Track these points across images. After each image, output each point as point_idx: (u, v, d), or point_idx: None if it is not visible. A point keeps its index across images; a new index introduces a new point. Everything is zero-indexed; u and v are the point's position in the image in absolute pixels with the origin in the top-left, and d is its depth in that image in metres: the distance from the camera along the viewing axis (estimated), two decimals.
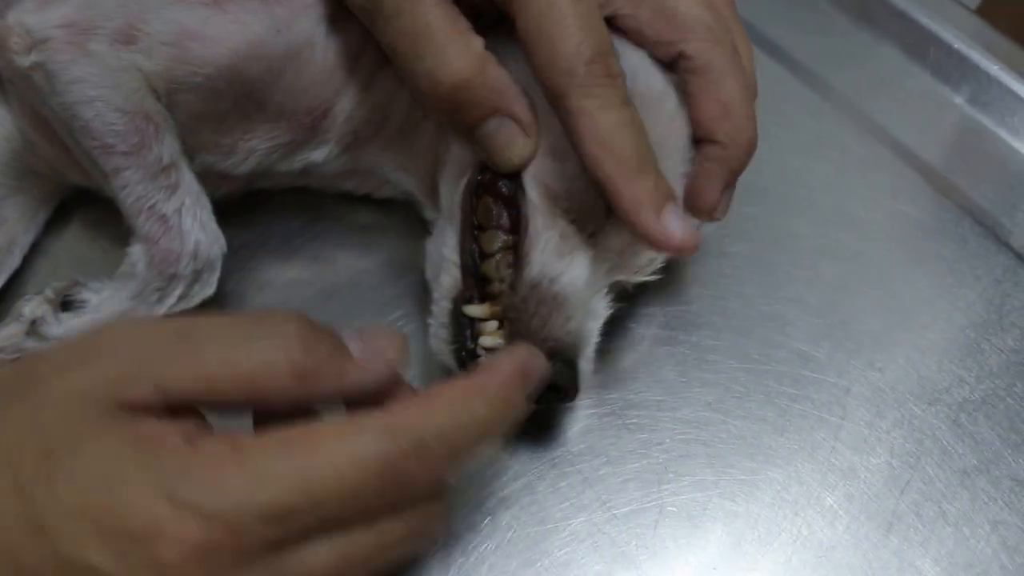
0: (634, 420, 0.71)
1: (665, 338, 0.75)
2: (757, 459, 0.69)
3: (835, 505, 0.68)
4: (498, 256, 0.64)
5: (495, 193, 0.65)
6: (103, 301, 0.67)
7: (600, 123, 0.59)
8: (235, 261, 0.73)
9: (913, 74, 0.95)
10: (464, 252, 0.65)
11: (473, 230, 0.65)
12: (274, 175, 0.75)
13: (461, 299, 0.64)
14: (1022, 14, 0.99)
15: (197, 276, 0.67)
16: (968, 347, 0.77)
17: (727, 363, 0.74)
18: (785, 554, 0.66)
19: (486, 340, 0.63)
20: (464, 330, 0.64)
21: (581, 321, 0.63)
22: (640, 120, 0.61)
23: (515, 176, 0.65)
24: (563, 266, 0.63)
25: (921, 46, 0.94)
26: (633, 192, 0.59)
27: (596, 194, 0.62)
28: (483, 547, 0.65)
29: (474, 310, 0.64)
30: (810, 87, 0.93)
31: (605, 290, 0.66)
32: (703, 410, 0.71)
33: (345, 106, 0.71)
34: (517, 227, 0.65)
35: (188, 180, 0.67)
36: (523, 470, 0.68)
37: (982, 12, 0.97)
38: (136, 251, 0.66)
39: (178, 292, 0.67)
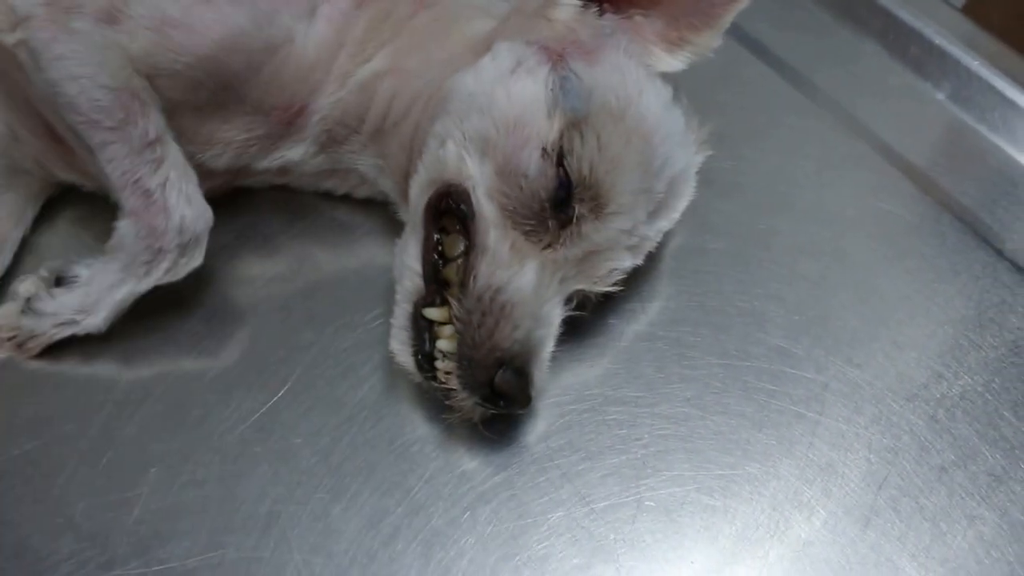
0: (613, 416, 0.71)
1: (644, 334, 0.76)
2: (735, 454, 0.70)
3: (813, 500, 0.68)
4: (459, 261, 0.66)
5: (452, 207, 0.67)
6: (94, 275, 0.69)
7: None
8: (216, 259, 0.73)
9: (895, 71, 0.96)
10: (425, 262, 0.67)
11: (435, 238, 0.67)
12: (253, 173, 0.76)
13: (421, 303, 0.66)
14: (1009, 12, 0.99)
15: (183, 249, 0.68)
16: (947, 343, 0.77)
17: (706, 359, 0.74)
18: (763, 548, 0.66)
19: (443, 343, 0.65)
20: (423, 333, 0.66)
21: (529, 329, 0.64)
22: None
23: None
24: (510, 277, 0.64)
25: (903, 43, 0.95)
26: None
27: (550, 208, 0.64)
28: (463, 541, 0.65)
29: (433, 313, 0.66)
30: (792, 84, 0.94)
31: (559, 299, 0.67)
32: (682, 406, 0.72)
33: (322, 104, 0.72)
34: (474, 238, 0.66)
35: (174, 154, 0.68)
36: (503, 465, 0.68)
37: (968, 10, 0.98)
38: (123, 226, 0.68)
39: (165, 265, 0.68)
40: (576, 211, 0.65)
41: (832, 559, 0.66)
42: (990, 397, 0.74)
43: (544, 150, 0.64)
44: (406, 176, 0.71)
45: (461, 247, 0.66)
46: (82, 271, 0.69)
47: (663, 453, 0.69)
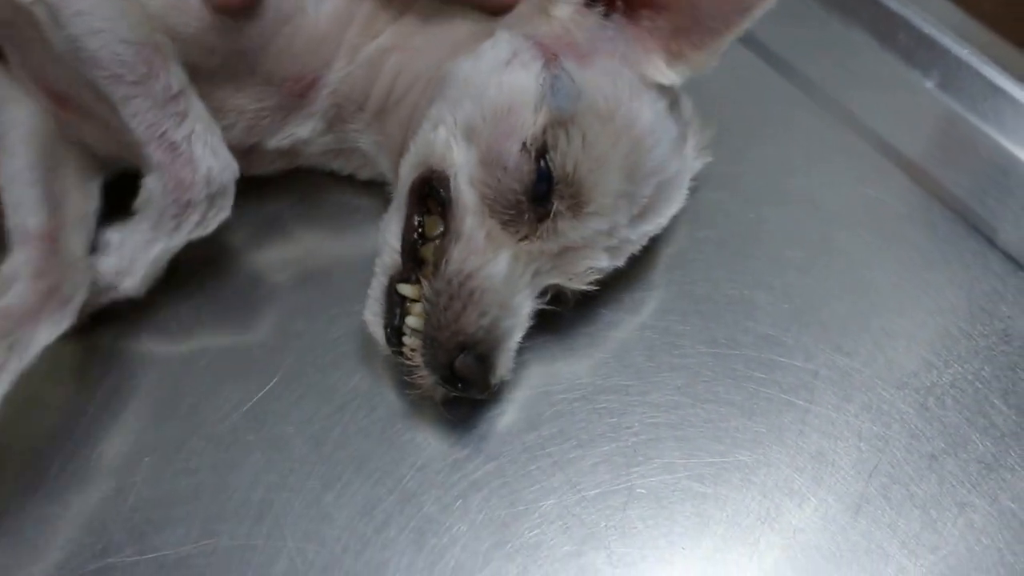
0: (604, 404, 0.71)
1: (634, 323, 0.76)
2: (725, 442, 0.70)
3: (803, 488, 0.69)
4: (437, 242, 0.67)
5: (432, 191, 0.68)
6: (125, 237, 0.69)
7: None
8: (211, 245, 0.73)
9: (884, 60, 0.95)
10: (404, 240, 0.68)
11: (416, 220, 0.68)
12: (263, 156, 0.77)
13: (397, 277, 0.68)
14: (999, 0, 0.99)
15: (212, 200, 0.69)
16: (937, 332, 0.78)
17: (696, 348, 0.75)
18: (753, 535, 0.67)
19: (412, 320, 0.67)
20: (394, 308, 0.67)
21: (496, 318, 0.65)
22: None
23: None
24: (482, 264, 0.65)
25: (891, 31, 0.94)
26: None
27: (527, 200, 0.65)
28: (455, 529, 0.65)
29: (406, 289, 0.67)
30: (781, 74, 0.94)
31: (531, 291, 0.68)
32: (672, 394, 0.72)
33: (332, 78, 0.74)
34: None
35: (197, 108, 0.68)
36: (494, 453, 0.69)
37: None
38: (150, 180, 0.68)
39: (195, 218, 0.68)
40: (555, 207, 0.66)
41: (822, 546, 0.67)
42: (980, 385, 0.75)
43: (524, 143, 0.65)
44: (401, 154, 0.72)
45: (440, 229, 0.67)
46: (113, 236, 0.70)
47: (654, 441, 0.70)
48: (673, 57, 0.68)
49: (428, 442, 0.69)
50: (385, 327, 0.68)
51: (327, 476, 0.67)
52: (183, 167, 0.67)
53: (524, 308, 0.67)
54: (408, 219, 0.68)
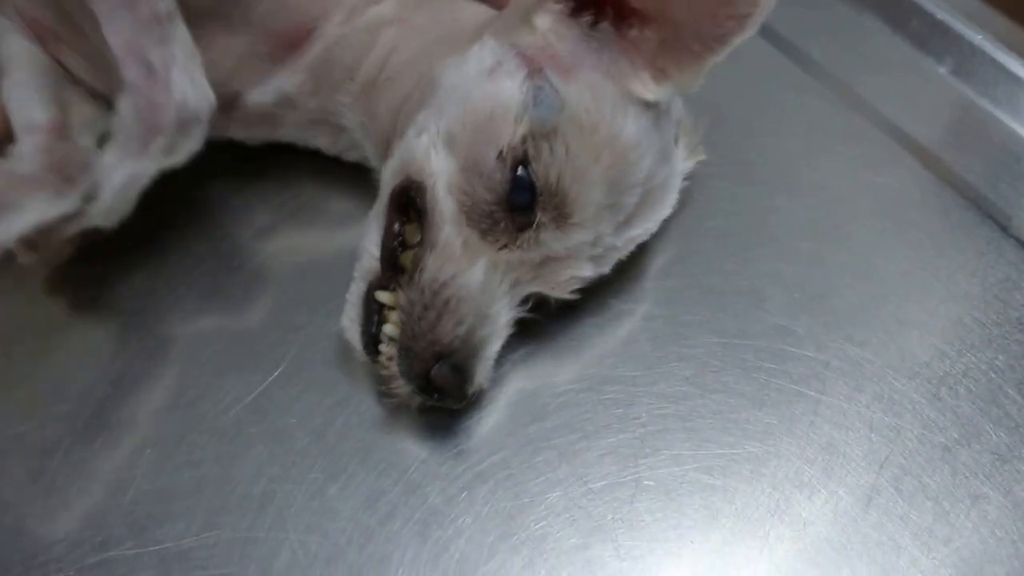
0: (610, 395, 0.70)
1: (641, 313, 0.75)
2: (735, 434, 0.69)
3: (813, 479, 0.68)
4: (417, 249, 0.66)
5: (410, 200, 0.67)
6: (92, 159, 0.68)
7: None
8: (211, 240, 0.73)
9: (896, 45, 0.94)
10: (383, 247, 0.67)
11: (396, 225, 0.67)
12: (242, 113, 0.75)
13: (375, 284, 0.67)
14: None
15: (183, 129, 0.67)
16: (950, 321, 0.76)
17: (704, 337, 0.74)
18: (763, 528, 0.66)
19: (389, 328, 0.66)
20: (372, 315, 0.66)
21: (473, 327, 0.65)
22: None
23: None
24: (458, 273, 0.64)
25: (903, 16, 0.93)
26: None
27: (503, 210, 0.65)
28: (460, 521, 0.65)
29: (384, 296, 0.66)
30: (791, 59, 0.93)
31: (509, 300, 0.67)
32: (680, 384, 0.71)
33: (327, 32, 0.73)
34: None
35: (183, 35, 0.67)
36: (499, 445, 0.68)
37: None
38: (123, 101, 0.66)
39: (163, 143, 0.66)
40: (538, 218, 0.65)
41: (833, 538, 0.66)
42: (994, 375, 0.73)
43: (501, 152, 0.64)
44: (387, 144, 0.71)
45: (418, 237, 0.67)
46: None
47: (662, 432, 0.69)
48: (659, 73, 0.66)
49: (431, 434, 0.68)
50: (363, 334, 0.67)
51: (330, 468, 0.66)
52: (159, 90, 0.65)
53: (502, 317, 0.66)
54: (387, 227, 0.67)
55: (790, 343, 0.74)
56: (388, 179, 0.69)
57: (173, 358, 0.71)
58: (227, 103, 0.73)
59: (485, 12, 0.74)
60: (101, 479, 0.66)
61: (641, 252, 0.73)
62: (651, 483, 0.67)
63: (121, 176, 0.66)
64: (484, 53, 0.67)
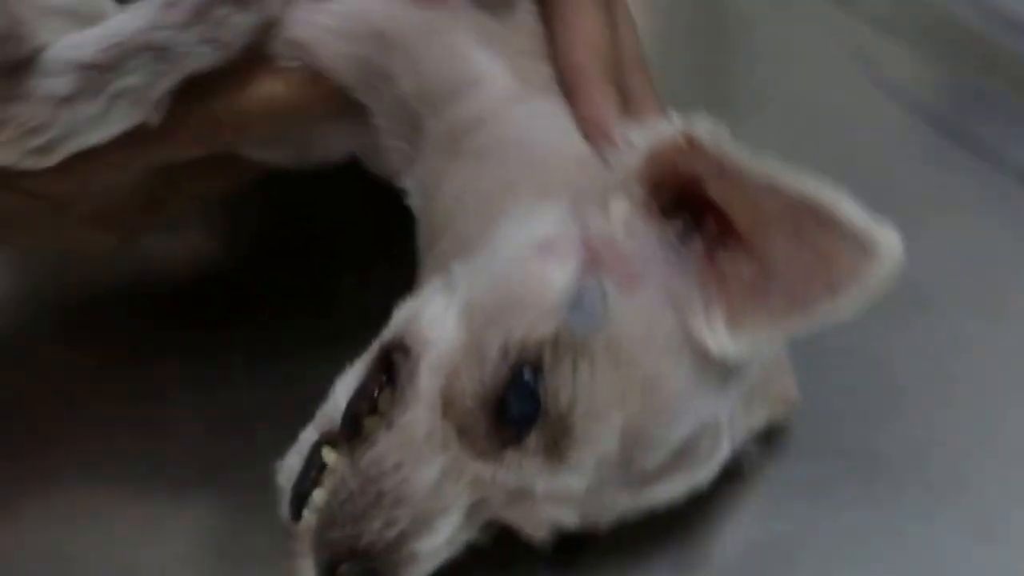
0: None
1: None
2: None
3: None
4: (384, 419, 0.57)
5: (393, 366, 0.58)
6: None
7: None
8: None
9: None
10: (351, 404, 0.56)
11: (374, 386, 0.57)
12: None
13: (327, 438, 0.56)
14: None
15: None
16: None
17: None
18: None
19: (318, 495, 0.55)
20: (310, 471, 0.56)
21: (405, 535, 0.53)
22: None
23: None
24: (405, 463, 0.53)
25: None
26: None
27: (486, 415, 0.54)
28: None
29: (330, 456, 0.56)
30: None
31: (467, 518, 0.54)
32: None
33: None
34: None
35: None
36: None
37: None
38: None
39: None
40: (532, 442, 0.53)
41: None
42: None
43: (505, 348, 0.53)
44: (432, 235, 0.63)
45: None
46: None
47: None
48: (733, 321, 0.53)
49: None
50: (293, 488, 0.56)
51: None
52: None
53: (445, 532, 0.54)
54: (365, 384, 0.57)
55: None
56: (388, 329, 0.59)
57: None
58: None
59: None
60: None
61: None
62: None
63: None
64: (547, 219, 0.56)
